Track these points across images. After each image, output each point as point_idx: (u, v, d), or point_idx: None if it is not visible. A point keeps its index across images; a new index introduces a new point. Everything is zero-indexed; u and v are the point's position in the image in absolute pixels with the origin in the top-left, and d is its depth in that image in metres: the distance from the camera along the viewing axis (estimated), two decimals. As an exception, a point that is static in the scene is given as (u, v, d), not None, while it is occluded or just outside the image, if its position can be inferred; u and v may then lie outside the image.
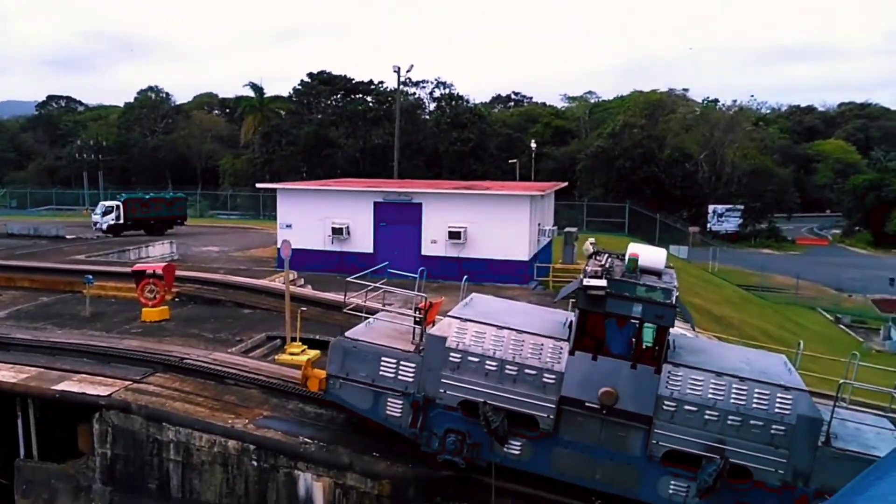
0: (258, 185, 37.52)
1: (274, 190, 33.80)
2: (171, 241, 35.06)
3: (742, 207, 74.03)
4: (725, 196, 74.75)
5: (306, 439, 13.37)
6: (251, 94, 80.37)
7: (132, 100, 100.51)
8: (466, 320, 12.11)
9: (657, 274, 11.83)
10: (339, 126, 79.00)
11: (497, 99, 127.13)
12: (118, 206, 43.27)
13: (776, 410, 10.70)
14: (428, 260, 29.72)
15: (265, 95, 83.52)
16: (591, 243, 13.37)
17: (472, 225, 29.30)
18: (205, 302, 21.91)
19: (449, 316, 12.42)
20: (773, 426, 10.67)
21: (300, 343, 18.29)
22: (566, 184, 43.71)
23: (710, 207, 74.28)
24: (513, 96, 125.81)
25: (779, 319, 43.33)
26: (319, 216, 30.17)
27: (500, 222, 29.20)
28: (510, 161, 63.71)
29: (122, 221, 42.99)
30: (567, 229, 37.17)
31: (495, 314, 12.60)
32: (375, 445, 13.27)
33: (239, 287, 22.50)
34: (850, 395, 12.45)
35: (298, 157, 74.72)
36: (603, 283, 11.03)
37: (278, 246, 30.83)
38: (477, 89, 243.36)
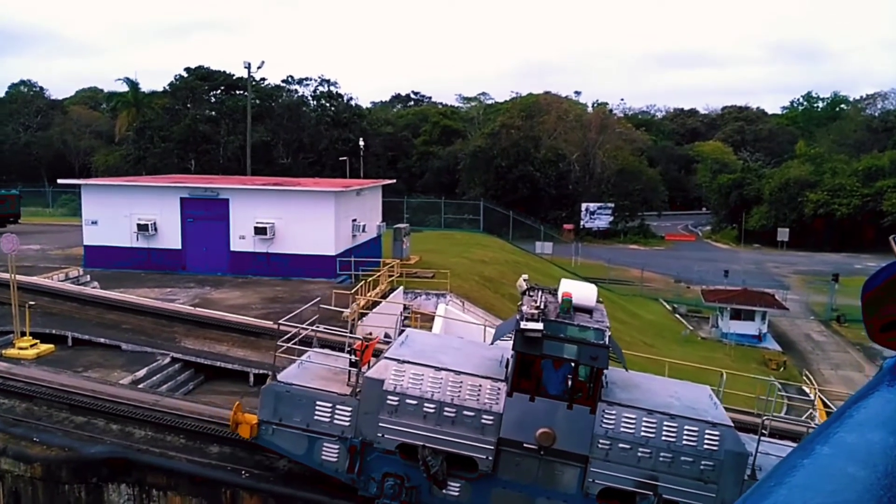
0: (59, 181, 36.89)
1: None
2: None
3: (612, 206, 77.23)
4: (597, 195, 77.88)
5: (-34, 428, 13.65)
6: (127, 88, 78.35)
7: (3, 94, 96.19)
8: (404, 362, 11.98)
9: (589, 311, 11.99)
10: (220, 122, 78.03)
11: (396, 98, 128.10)
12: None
13: (705, 446, 11.08)
14: (237, 255, 30.25)
15: (146, 91, 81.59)
16: (524, 279, 13.22)
17: (279, 221, 29.82)
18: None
19: (385, 357, 12.26)
20: (703, 462, 11.04)
21: (31, 337, 18.45)
22: (394, 181, 44.75)
23: (583, 205, 77.23)
24: (412, 96, 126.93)
25: (612, 310, 45.52)
26: (125, 213, 30.04)
27: (306, 218, 29.85)
28: (341, 158, 64.81)
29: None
30: (396, 226, 38.29)
31: (431, 352, 12.56)
32: (40, 433, 13.69)
33: (-7, 283, 22.24)
34: (770, 424, 12.78)
35: (174, 154, 73.35)
36: (539, 325, 11.13)
37: (84, 243, 30.74)
38: (378, 88, 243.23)
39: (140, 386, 16.68)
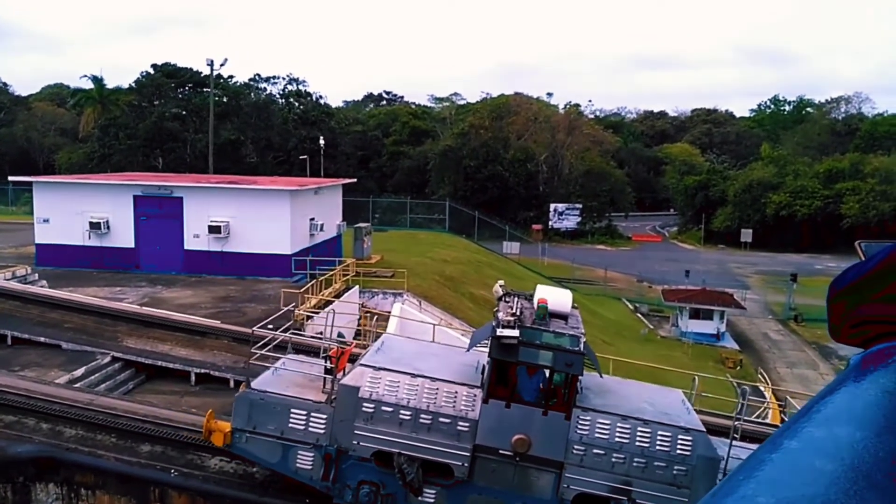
0: (10, 179, 36.36)
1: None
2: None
3: (580, 206, 77.89)
4: (565, 196, 78.49)
5: None
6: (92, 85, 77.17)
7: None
8: (380, 368, 11.91)
9: (564, 317, 11.95)
10: (188, 120, 77.30)
11: (369, 97, 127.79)
12: None
13: (678, 452, 11.20)
14: (191, 254, 30.04)
15: (112, 87, 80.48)
16: (500, 285, 13.12)
17: (234, 219, 29.67)
18: None
19: (361, 364, 12.17)
20: (676, 467, 11.15)
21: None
22: (354, 180, 44.73)
23: (552, 206, 77.80)
24: (384, 95, 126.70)
25: (573, 310, 46.01)
26: (77, 210, 29.67)
27: (261, 216, 29.72)
28: (301, 157, 64.70)
29: None
30: (357, 225, 38.26)
31: (407, 359, 12.53)
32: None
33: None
34: (741, 427, 12.79)
35: (140, 151, 72.50)
36: (515, 332, 11.09)
37: (36, 242, 30.34)
38: (351, 87, 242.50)
39: (77, 385, 16.53)
